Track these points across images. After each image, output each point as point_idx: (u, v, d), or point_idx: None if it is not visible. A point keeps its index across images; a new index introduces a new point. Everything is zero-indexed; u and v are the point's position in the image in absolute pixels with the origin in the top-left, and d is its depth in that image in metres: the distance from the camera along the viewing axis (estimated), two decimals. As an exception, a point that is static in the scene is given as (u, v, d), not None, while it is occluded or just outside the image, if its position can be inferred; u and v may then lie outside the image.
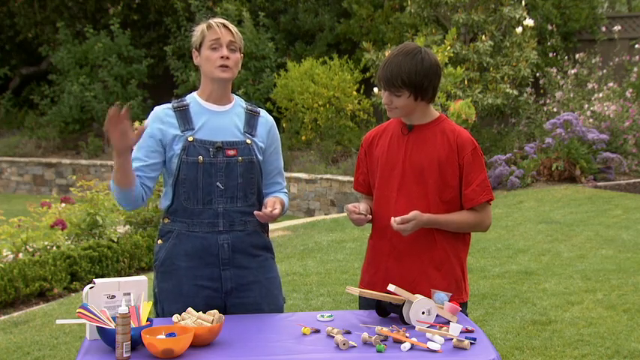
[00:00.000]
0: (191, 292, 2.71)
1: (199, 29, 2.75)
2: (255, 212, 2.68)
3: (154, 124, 2.73)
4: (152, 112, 2.78)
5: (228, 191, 2.71)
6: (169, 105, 2.78)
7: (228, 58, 2.70)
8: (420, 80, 2.63)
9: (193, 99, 2.79)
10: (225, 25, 2.72)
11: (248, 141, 2.75)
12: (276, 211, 2.67)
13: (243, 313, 2.73)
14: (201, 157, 2.68)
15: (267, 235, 2.88)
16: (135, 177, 2.65)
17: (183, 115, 2.73)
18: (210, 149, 2.70)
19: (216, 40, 2.70)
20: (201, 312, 2.40)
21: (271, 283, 2.82)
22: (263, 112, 2.88)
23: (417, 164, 2.71)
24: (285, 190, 2.94)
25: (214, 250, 2.72)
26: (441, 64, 2.77)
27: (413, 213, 2.63)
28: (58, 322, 2.49)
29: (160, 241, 2.78)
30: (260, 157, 2.79)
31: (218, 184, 2.69)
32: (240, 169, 2.72)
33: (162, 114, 2.75)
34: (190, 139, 2.69)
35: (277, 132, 2.92)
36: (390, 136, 2.79)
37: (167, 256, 2.74)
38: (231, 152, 2.71)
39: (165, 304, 2.75)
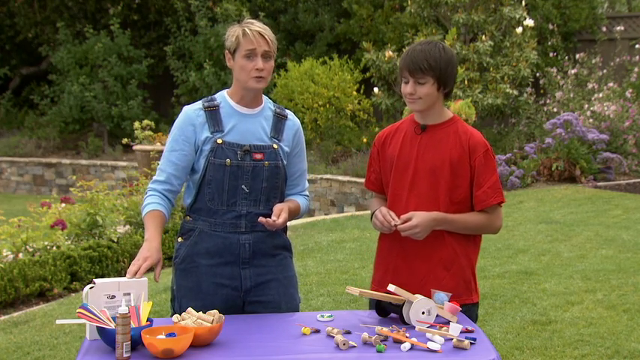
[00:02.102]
0: (210, 290, 2.73)
1: (234, 34, 2.71)
2: (260, 219, 2.68)
3: (187, 127, 2.73)
4: (183, 113, 2.77)
5: (253, 194, 2.72)
6: (199, 105, 2.77)
7: (263, 69, 2.70)
8: (444, 66, 2.65)
9: (224, 99, 2.79)
10: (261, 34, 2.69)
11: (275, 146, 2.76)
12: (280, 221, 2.66)
13: (261, 311, 2.75)
14: (228, 160, 2.69)
15: (286, 235, 2.89)
16: (165, 218, 2.71)
17: (214, 116, 2.73)
18: (238, 152, 2.70)
19: (251, 50, 2.68)
20: (201, 312, 2.40)
21: (289, 281, 2.84)
22: (291, 115, 2.87)
23: (428, 164, 2.71)
24: (306, 193, 2.94)
25: (235, 249, 2.73)
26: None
27: (411, 212, 2.64)
28: (58, 322, 2.49)
29: (180, 239, 2.80)
30: (285, 162, 2.79)
31: (243, 186, 2.70)
32: (265, 174, 2.72)
33: (193, 115, 2.75)
34: (219, 141, 2.70)
35: (303, 135, 2.91)
36: (403, 136, 2.79)
37: (188, 254, 2.76)
38: (258, 156, 2.72)
39: (183, 302, 2.76)
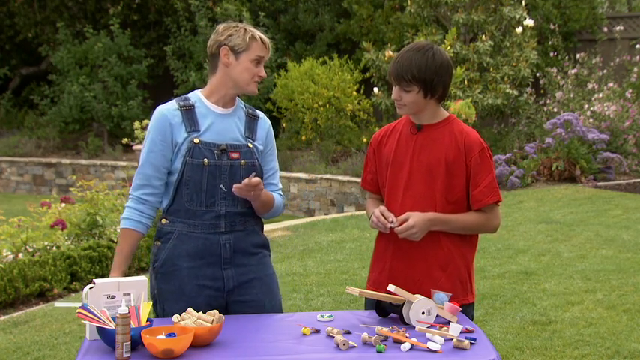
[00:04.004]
0: (193, 292, 2.72)
1: (243, 35, 2.72)
2: (234, 187, 2.64)
3: (164, 128, 2.72)
4: (158, 113, 2.74)
5: (231, 194, 2.70)
6: (174, 104, 2.76)
7: (264, 77, 2.79)
8: (430, 76, 2.63)
9: (198, 98, 2.78)
10: (268, 44, 2.80)
11: (250, 145, 2.77)
12: (254, 180, 2.62)
13: (244, 310, 2.74)
14: (206, 160, 2.69)
15: (263, 233, 2.89)
16: (138, 234, 2.74)
17: (190, 116, 2.73)
18: (215, 152, 2.70)
19: (261, 57, 2.75)
20: (201, 312, 2.40)
21: (270, 279, 2.85)
22: (261, 115, 2.91)
23: (424, 165, 2.71)
24: (280, 193, 2.94)
25: (216, 249, 2.72)
26: (452, 63, 2.76)
27: (407, 213, 2.64)
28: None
29: (158, 242, 2.77)
30: (260, 161, 2.81)
31: (221, 186, 2.70)
32: (243, 173, 2.72)
33: (169, 115, 2.73)
34: (196, 141, 2.69)
35: (273, 133, 2.93)
36: (399, 136, 2.79)
37: (168, 257, 2.73)
38: (234, 155, 2.72)
39: (166, 305, 2.74)
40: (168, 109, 2.75)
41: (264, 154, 2.85)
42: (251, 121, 2.83)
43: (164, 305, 2.75)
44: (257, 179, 2.64)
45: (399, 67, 2.65)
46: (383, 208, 2.70)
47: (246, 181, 2.62)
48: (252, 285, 2.77)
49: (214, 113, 2.77)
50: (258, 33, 2.76)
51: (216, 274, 2.73)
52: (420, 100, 2.68)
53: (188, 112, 2.74)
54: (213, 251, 2.72)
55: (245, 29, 2.75)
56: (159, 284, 2.77)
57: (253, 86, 2.77)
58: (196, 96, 2.80)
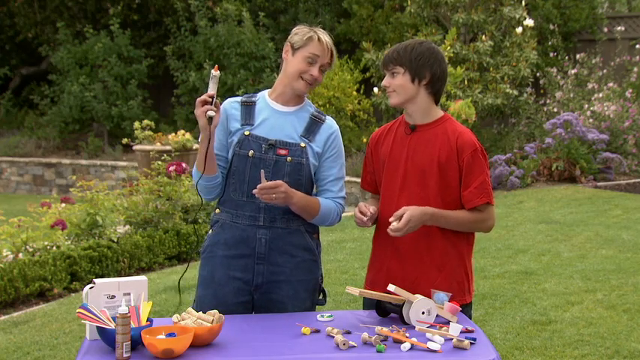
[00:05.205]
0: (222, 281, 2.77)
1: (306, 34, 2.76)
2: (254, 191, 2.64)
3: (222, 115, 2.80)
4: (222, 105, 2.84)
5: None
6: (238, 98, 2.86)
7: (316, 80, 2.77)
8: (416, 57, 2.66)
9: (262, 96, 2.86)
10: (331, 49, 2.79)
11: (302, 144, 2.76)
12: (267, 184, 2.59)
13: (267, 309, 2.76)
14: (252, 152, 2.73)
15: (316, 236, 2.88)
16: (217, 166, 2.76)
17: (248, 110, 2.80)
18: (264, 145, 2.74)
19: (315, 56, 2.75)
20: (201, 312, 2.40)
21: (302, 285, 2.81)
22: (329, 120, 2.87)
23: (418, 165, 2.71)
24: (338, 201, 2.87)
25: (252, 243, 2.76)
26: (445, 59, 2.76)
27: (403, 208, 2.60)
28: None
29: (210, 231, 2.86)
30: (314, 162, 2.79)
31: (263, 176, 2.65)
32: (288, 169, 2.74)
33: (228, 107, 2.84)
34: (247, 133, 2.76)
35: (339, 141, 2.87)
36: (394, 136, 2.80)
37: (209, 244, 2.83)
38: (282, 151, 2.74)
39: (199, 290, 2.83)
40: (231, 101, 2.86)
41: (323, 158, 2.82)
42: (313, 123, 2.82)
43: (198, 289, 2.83)
44: (274, 182, 2.61)
45: (388, 52, 2.72)
46: (361, 204, 2.74)
47: (260, 184, 2.61)
48: (279, 287, 2.77)
49: (272, 109, 2.81)
50: (321, 35, 2.78)
51: (248, 266, 2.76)
52: (407, 85, 2.68)
53: (247, 107, 2.82)
54: (248, 244, 2.75)
55: (310, 29, 2.79)
56: (199, 270, 2.87)
57: (301, 84, 2.76)
58: (262, 94, 2.88)
